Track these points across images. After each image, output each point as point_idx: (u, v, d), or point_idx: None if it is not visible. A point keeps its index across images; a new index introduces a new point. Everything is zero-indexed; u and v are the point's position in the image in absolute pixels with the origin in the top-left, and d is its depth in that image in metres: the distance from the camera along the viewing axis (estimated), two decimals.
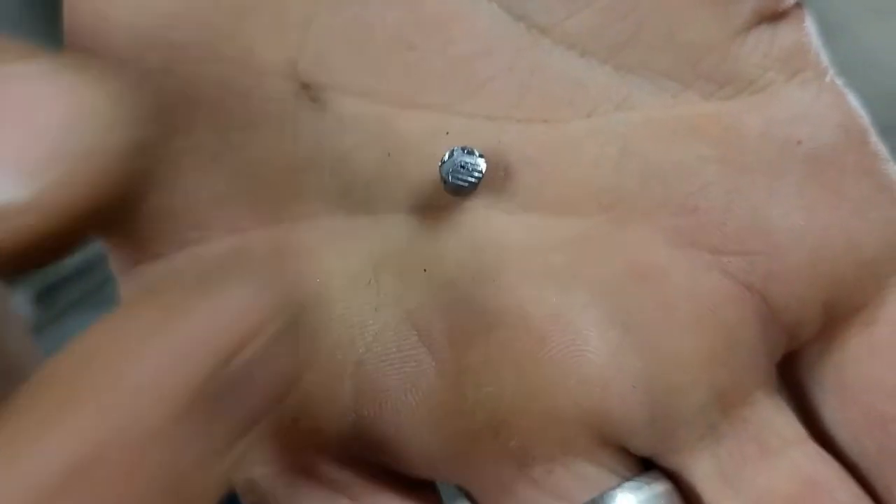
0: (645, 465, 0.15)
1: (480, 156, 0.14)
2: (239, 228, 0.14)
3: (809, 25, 0.15)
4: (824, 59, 0.15)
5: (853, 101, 0.15)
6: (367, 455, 0.15)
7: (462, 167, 0.14)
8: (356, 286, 0.14)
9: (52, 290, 0.48)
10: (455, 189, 0.14)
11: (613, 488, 0.14)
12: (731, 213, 0.14)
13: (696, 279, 0.14)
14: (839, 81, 0.15)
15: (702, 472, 0.14)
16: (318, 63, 0.14)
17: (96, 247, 0.15)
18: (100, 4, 0.14)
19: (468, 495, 0.15)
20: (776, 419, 0.14)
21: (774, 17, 0.15)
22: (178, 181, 0.14)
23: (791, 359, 0.15)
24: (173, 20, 0.14)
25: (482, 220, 0.14)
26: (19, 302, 0.46)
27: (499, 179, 0.14)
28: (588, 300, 0.13)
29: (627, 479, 0.14)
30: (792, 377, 0.15)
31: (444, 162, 0.14)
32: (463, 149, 0.14)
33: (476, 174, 0.14)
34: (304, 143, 0.14)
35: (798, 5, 0.15)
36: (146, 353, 0.09)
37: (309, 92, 0.14)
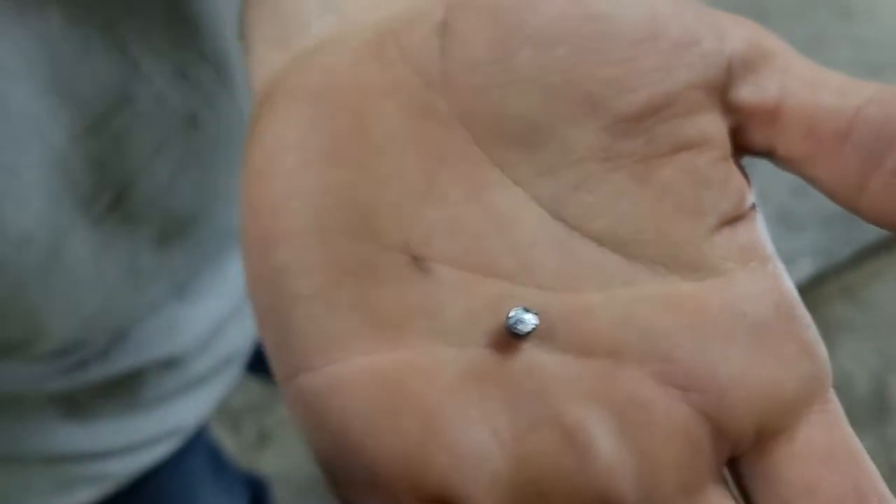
0: None
1: (534, 314, 0.21)
2: (369, 352, 0.21)
3: (760, 222, 0.22)
4: (769, 247, 0.22)
5: (787, 281, 0.22)
6: None
7: (520, 321, 0.21)
8: (452, 401, 0.21)
9: None
10: (515, 335, 0.21)
11: None
12: (696, 367, 0.21)
13: (673, 408, 0.20)
14: (778, 264, 0.22)
15: None
16: (425, 243, 0.21)
17: None
18: (274, 199, 0.21)
19: None
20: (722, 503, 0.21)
21: (736, 218, 0.22)
22: (326, 322, 0.21)
23: (734, 457, 0.22)
24: (328, 220, 0.21)
25: (534, 356, 0.21)
26: None
27: (544, 329, 0.21)
28: (600, 416, 0.20)
29: None
30: (735, 469, 0.22)
31: (510, 317, 0.21)
32: (523, 308, 0.21)
33: (530, 326, 0.21)
34: (415, 296, 0.21)
35: (752, 207, 0.22)
36: None
37: (418, 262, 0.21)
